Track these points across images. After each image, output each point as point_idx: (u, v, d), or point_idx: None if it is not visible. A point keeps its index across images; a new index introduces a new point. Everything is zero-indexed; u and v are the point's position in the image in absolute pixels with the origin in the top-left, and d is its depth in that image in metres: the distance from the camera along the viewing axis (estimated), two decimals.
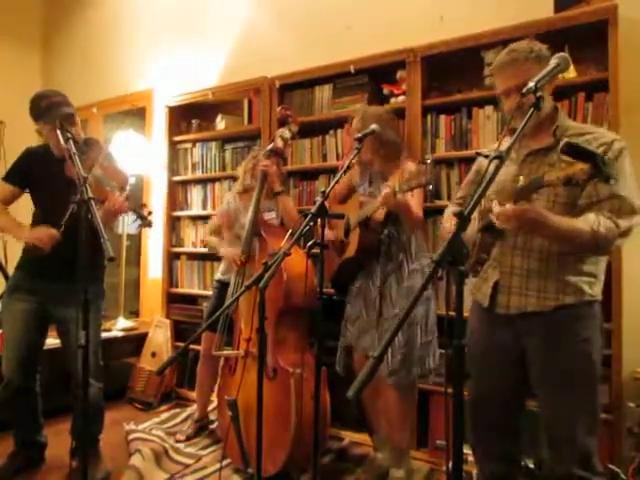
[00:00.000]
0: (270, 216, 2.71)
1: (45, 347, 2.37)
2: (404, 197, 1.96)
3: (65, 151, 1.91)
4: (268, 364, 2.27)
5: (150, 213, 2.16)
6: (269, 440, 1.95)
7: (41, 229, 2.10)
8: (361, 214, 2.17)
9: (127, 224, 3.79)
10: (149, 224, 2.13)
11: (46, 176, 2.22)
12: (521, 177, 1.41)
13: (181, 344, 3.38)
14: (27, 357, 2.25)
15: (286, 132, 2.60)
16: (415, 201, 2.13)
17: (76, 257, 1.71)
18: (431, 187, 1.76)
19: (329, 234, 2.34)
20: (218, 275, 2.90)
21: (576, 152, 1.20)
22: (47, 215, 2.17)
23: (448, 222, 1.76)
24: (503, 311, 1.60)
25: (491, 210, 1.41)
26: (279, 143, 2.58)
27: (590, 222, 1.41)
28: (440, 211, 2.39)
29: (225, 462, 2.38)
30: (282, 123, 2.65)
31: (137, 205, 2.14)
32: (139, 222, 2.13)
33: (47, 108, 2.13)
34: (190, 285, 3.61)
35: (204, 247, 3.11)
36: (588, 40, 2.22)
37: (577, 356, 1.51)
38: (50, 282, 2.19)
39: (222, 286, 2.79)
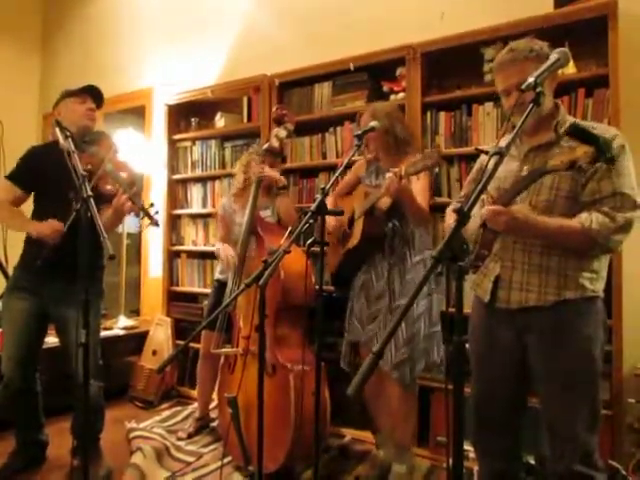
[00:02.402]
0: (266, 214, 2.71)
1: (46, 346, 2.37)
2: (408, 184, 1.94)
3: (64, 148, 1.90)
4: (267, 361, 2.26)
5: (157, 212, 2.15)
6: (269, 437, 1.95)
7: (46, 222, 2.10)
8: (366, 203, 2.17)
9: (128, 222, 3.79)
10: (156, 223, 2.13)
11: (49, 173, 2.20)
12: (525, 167, 1.40)
13: (182, 342, 3.37)
14: (26, 356, 2.25)
15: (282, 131, 2.59)
16: (421, 195, 2.11)
17: (76, 256, 1.71)
18: (437, 169, 1.73)
19: (331, 220, 2.33)
20: (216, 274, 2.90)
21: (581, 135, 1.21)
22: (51, 211, 2.15)
23: (450, 219, 1.76)
24: (504, 305, 1.59)
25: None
26: (274, 143, 2.57)
27: (582, 220, 1.41)
28: (440, 208, 2.39)
29: (226, 460, 2.39)
30: (278, 122, 2.64)
31: (145, 204, 2.13)
32: (147, 221, 2.12)
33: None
34: (190, 283, 3.61)
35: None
36: (588, 36, 2.21)
37: (579, 355, 1.51)
38: (50, 281, 2.19)
39: (220, 285, 2.79)
